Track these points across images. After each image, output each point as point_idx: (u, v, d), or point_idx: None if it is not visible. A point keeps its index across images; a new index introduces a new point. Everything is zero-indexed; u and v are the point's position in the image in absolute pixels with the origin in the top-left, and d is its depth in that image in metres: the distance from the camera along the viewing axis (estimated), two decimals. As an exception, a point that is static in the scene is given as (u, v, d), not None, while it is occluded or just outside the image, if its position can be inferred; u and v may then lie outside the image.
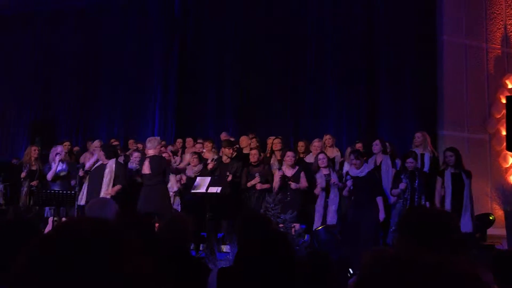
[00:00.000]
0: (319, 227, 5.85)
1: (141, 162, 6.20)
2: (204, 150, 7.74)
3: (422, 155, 6.42)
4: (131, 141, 8.61)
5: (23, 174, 6.74)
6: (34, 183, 6.70)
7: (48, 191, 6.10)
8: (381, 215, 5.71)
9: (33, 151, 7.07)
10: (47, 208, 6.35)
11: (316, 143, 7.14)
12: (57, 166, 6.60)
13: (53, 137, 9.56)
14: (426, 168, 6.31)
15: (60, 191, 6.01)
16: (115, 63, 10.89)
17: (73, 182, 6.55)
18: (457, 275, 0.68)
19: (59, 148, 6.85)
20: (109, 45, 10.98)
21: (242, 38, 10.16)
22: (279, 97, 9.89)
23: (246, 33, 10.13)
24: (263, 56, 9.94)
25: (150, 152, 6.08)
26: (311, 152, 7.18)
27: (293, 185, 6.19)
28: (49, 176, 6.61)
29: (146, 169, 5.98)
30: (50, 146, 7.24)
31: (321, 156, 6.35)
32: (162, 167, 6.02)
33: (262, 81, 9.96)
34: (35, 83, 11.16)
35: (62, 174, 6.67)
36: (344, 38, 9.48)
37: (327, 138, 7.30)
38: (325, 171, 6.25)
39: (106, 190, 5.94)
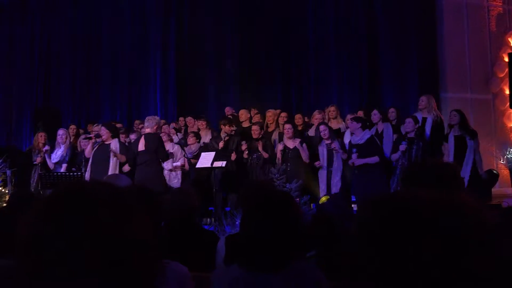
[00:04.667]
0: (322, 197, 5.86)
1: (136, 141, 6.18)
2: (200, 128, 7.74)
3: (424, 119, 6.36)
4: (136, 122, 8.61)
5: (38, 160, 6.78)
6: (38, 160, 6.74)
7: (55, 173, 6.15)
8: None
9: (40, 137, 7.11)
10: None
11: (317, 115, 7.09)
12: (61, 150, 6.63)
13: (57, 122, 9.57)
14: (427, 132, 6.25)
15: (67, 173, 6.06)
16: (114, 45, 10.82)
17: (63, 167, 6.60)
18: (460, 204, 0.66)
19: (60, 132, 6.86)
20: (107, 27, 10.89)
21: (240, 11, 10.05)
22: (280, 68, 9.84)
23: (243, 5, 10.01)
24: (262, 28, 9.85)
25: (147, 130, 6.06)
26: (313, 124, 7.15)
27: (298, 145, 6.18)
28: (53, 160, 6.68)
29: (141, 146, 5.97)
30: (54, 131, 7.27)
31: (322, 127, 6.32)
32: (155, 145, 5.96)
33: (262, 55, 9.90)
34: (36, 69, 11.12)
35: (61, 159, 6.70)
36: (344, 3, 9.36)
37: (331, 109, 7.22)
38: (327, 142, 6.23)
39: (115, 169, 5.96)
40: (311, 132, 7.00)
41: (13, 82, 11.18)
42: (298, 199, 5.28)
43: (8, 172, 6.46)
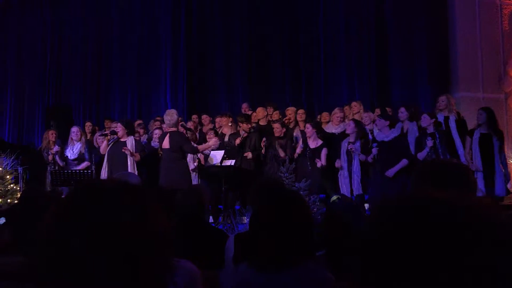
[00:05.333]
0: (334, 197, 5.81)
1: (161, 138, 6.20)
2: (222, 125, 7.71)
3: (447, 118, 6.25)
4: (152, 121, 8.66)
5: (50, 158, 6.84)
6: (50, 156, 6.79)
7: (66, 171, 6.21)
8: (389, 172, 5.48)
9: (51, 135, 7.16)
10: (66, 189, 6.48)
11: (338, 113, 7.04)
12: (74, 147, 6.69)
13: (69, 120, 9.66)
14: (453, 131, 6.13)
15: (77, 171, 6.11)
16: (124, 42, 10.89)
17: (83, 164, 6.65)
18: (476, 206, 0.65)
19: (73, 129, 6.93)
20: (117, 25, 10.96)
21: (250, 8, 10.05)
22: (290, 67, 9.83)
23: (253, 3, 10.03)
24: (272, 27, 9.86)
25: (171, 128, 6.08)
26: (330, 121, 7.13)
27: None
28: (70, 156, 6.75)
29: (166, 143, 6.00)
30: (66, 129, 7.33)
31: (350, 123, 6.24)
32: (180, 143, 6.00)
33: (272, 53, 9.91)
34: (48, 67, 11.22)
35: (76, 155, 6.74)
36: (355, 1, 9.32)
37: (353, 105, 7.19)
38: (351, 139, 6.16)
39: (133, 166, 6.01)
40: (328, 129, 6.96)
41: (24, 81, 11.30)
42: (307, 198, 5.27)
43: (20, 169, 6.53)
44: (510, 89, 8.50)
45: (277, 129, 6.68)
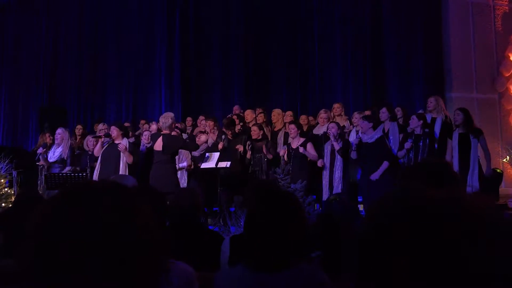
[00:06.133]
0: (329, 197, 5.84)
1: (154, 139, 6.17)
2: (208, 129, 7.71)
3: (434, 119, 6.33)
4: (142, 121, 8.63)
5: (50, 159, 6.74)
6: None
7: (61, 174, 6.17)
8: (373, 175, 5.62)
9: (48, 138, 7.11)
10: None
11: (322, 114, 7.08)
12: (56, 149, 6.61)
13: (63, 122, 9.61)
14: (436, 132, 6.22)
15: (72, 174, 6.07)
16: (119, 45, 10.87)
17: (67, 168, 6.56)
18: (476, 205, 0.65)
19: (58, 131, 6.80)
20: (112, 27, 10.94)
21: (246, 10, 10.07)
22: (285, 68, 9.85)
23: (249, 4, 10.04)
24: (267, 28, 9.87)
25: (165, 130, 6.06)
26: (318, 123, 7.14)
27: (301, 149, 6.16)
28: (50, 159, 6.64)
29: (158, 146, 5.98)
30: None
31: (331, 125, 6.31)
32: (175, 148, 6.01)
33: (267, 55, 9.92)
34: (42, 69, 11.17)
35: (66, 157, 6.65)
36: (350, 2, 9.36)
37: (336, 106, 7.22)
38: (333, 141, 6.20)
39: (125, 169, 5.98)
40: (317, 131, 6.98)
41: (18, 83, 11.24)
42: (302, 199, 5.27)
43: (14, 173, 6.49)
44: (503, 89, 8.56)
45: (254, 132, 6.68)
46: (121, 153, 5.97)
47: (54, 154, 6.74)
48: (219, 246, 2.65)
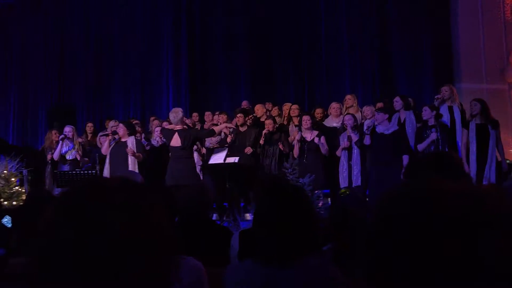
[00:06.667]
0: (342, 189, 5.80)
1: (168, 135, 6.18)
2: (220, 123, 7.73)
3: (451, 108, 6.21)
4: (152, 118, 8.66)
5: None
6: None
7: (70, 172, 6.22)
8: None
9: (54, 135, 7.16)
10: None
11: (334, 105, 7.04)
12: (61, 146, 6.66)
13: (72, 120, 9.67)
14: (457, 122, 6.11)
15: (81, 171, 6.12)
16: (125, 42, 10.90)
17: (85, 165, 6.61)
18: (481, 194, 0.64)
19: (66, 129, 6.88)
20: (118, 25, 10.97)
21: (251, 5, 10.03)
22: (292, 63, 9.81)
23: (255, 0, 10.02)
24: (274, 22, 9.83)
25: (177, 125, 6.07)
26: (329, 115, 7.11)
27: (316, 139, 6.16)
28: (55, 156, 6.69)
29: (175, 142, 5.98)
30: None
31: (347, 117, 6.27)
32: (192, 138, 6.04)
33: (274, 49, 9.88)
34: (50, 68, 11.25)
35: (68, 155, 6.70)
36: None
37: (348, 98, 7.16)
38: (351, 132, 6.14)
39: (134, 166, 6.01)
40: (328, 123, 6.94)
41: (27, 83, 11.32)
42: (310, 193, 5.26)
43: (25, 171, 6.55)
44: (513, 79, 8.45)
45: (269, 125, 6.68)
46: (128, 152, 6.01)
47: (62, 151, 6.80)
48: (228, 241, 2.66)
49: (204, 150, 7.09)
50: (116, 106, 10.92)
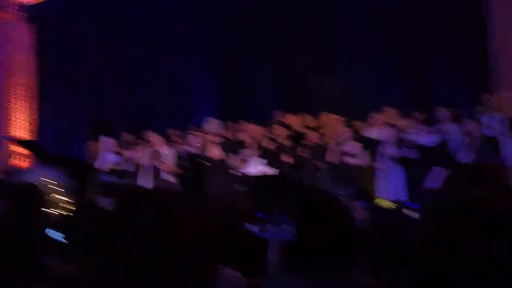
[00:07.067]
0: (379, 200, 5.70)
1: (204, 146, 6.30)
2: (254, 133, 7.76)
3: (494, 117, 6.04)
4: (190, 128, 8.80)
5: (100, 166, 7.05)
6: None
7: (110, 181, 6.40)
8: (432, 183, 5.38)
9: (97, 145, 7.42)
10: (106, 200, 6.65)
11: (375, 117, 6.95)
12: (104, 157, 6.89)
13: (111, 132, 9.96)
14: (503, 130, 5.91)
15: (122, 181, 6.29)
16: (159, 54, 11.17)
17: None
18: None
19: (107, 140, 7.11)
20: (151, 37, 11.26)
21: (286, 9, 10.04)
22: (326, 72, 9.72)
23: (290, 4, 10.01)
24: (305, 28, 9.77)
25: (213, 136, 6.18)
26: (366, 126, 7.03)
27: (351, 160, 6.08)
28: (100, 165, 6.95)
29: (212, 152, 6.08)
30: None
31: (388, 130, 6.19)
32: (228, 151, 6.14)
33: (308, 59, 9.82)
34: (88, 79, 11.66)
35: (112, 166, 6.93)
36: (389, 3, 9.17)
37: (386, 110, 7.06)
38: (390, 145, 6.05)
39: (169, 176, 6.14)
40: (368, 133, 6.86)
41: (67, 95, 11.78)
42: (348, 204, 5.19)
43: (68, 181, 6.78)
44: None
45: (314, 136, 6.63)
46: (166, 161, 6.15)
47: (102, 161, 7.04)
48: (265, 252, 2.67)
49: (240, 161, 7.14)
50: (152, 118, 11.16)
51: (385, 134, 6.12)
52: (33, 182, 5.63)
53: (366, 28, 9.29)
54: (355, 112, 8.03)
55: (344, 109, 8.82)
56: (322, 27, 9.60)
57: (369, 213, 5.63)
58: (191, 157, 7.01)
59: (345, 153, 6.22)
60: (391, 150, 5.93)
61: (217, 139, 6.21)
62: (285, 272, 1.78)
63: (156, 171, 6.22)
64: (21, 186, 2.58)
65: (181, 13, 11.10)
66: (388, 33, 9.13)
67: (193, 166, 6.70)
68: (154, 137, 6.47)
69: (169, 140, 6.83)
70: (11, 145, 11.32)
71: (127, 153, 7.89)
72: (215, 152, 6.03)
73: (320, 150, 6.60)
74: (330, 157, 6.42)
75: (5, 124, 11.99)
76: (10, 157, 10.72)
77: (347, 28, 9.46)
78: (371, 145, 6.44)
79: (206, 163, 6.14)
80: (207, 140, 6.29)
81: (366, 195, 6.09)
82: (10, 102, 12.16)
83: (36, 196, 2.49)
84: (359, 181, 6.08)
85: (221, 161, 6.03)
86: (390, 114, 7.00)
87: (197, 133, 8.01)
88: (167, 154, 6.29)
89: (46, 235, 2.53)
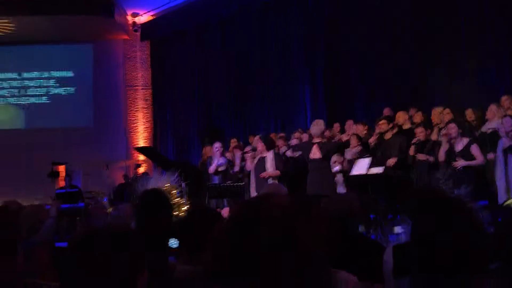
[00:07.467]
0: (506, 201, 5.17)
1: (306, 147, 6.30)
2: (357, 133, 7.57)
3: None
4: (296, 131, 8.88)
5: (211, 170, 7.47)
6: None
7: (221, 184, 6.69)
8: None
9: (209, 150, 7.83)
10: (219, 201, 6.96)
11: (491, 107, 6.35)
12: (217, 161, 7.22)
13: (220, 136, 10.44)
14: None
15: (231, 184, 6.53)
16: (263, 58, 11.45)
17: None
18: None
19: (216, 145, 7.46)
20: (254, 43, 11.60)
21: (386, 9, 9.70)
22: (432, 66, 9.13)
23: (386, 7, 9.65)
24: (407, 27, 9.33)
25: (317, 138, 6.18)
26: (487, 120, 6.44)
27: (459, 163, 5.58)
28: (211, 169, 7.24)
29: (314, 154, 6.09)
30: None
31: (506, 119, 5.62)
32: (332, 152, 6.14)
33: (411, 52, 9.34)
34: (197, 91, 12.40)
35: (220, 168, 7.24)
36: None
37: (504, 99, 6.41)
38: (504, 137, 5.49)
39: (274, 179, 6.24)
40: (485, 128, 6.29)
41: (181, 105, 12.62)
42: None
43: (183, 184, 7.23)
44: None
45: (421, 133, 6.23)
46: (266, 167, 6.23)
47: (212, 166, 7.41)
48: (380, 255, 2.54)
49: (346, 161, 7.01)
50: (257, 121, 11.48)
51: (505, 126, 5.52)
52: (159, 187, 6.09)
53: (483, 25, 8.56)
54: (468, 106, 7.41)
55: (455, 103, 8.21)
56: (434, 23, 9.08)
57: (492, 214, 5.14)
58: (295, 159, 7.04)
59: (458, 151, 5.74)
60: (506, 143, 5.34)
61: (321, 140, 6.14)
62: (403, 278, 1.67)
63: (262, 175, 6.34)
64: (149, 191, 2.79)
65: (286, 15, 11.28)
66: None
67: (297, 168, 6.72)
68: (258, 141, 6.61)
69: (273, 143, 6.94)
70: (135, 153, 12.44)
71: (236, 158, 8.18)
72: (319, 153, 5.98)
73: (430, 147, 6.18)
74: (442, 154, 5.96)
75: (130, 134, 13.22)
76: (137, 165, 11.78)
77: (459, 22, 8.79)
78: (489, 139, 5.87)
79: (310, 164, 6.12)
80: (311, 141, 6.26)
81: (486, 194, 5.56)
82: (132, 114, 13.38)
83: (163, 200, 2.67)
84: (477, 179, 5.56)
85: (326, 162, 5.97)
86: (505, 104, 6.31)
87: (301, 134, 8.02)
88: (272, 157, 6.37)
89: (169, 237, 2.70)
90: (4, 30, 12.05)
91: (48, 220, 3.47)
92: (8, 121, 12.85)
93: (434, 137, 6.57)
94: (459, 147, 5.80)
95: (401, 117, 7.33)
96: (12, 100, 13.12)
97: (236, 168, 7.35)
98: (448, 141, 5.92)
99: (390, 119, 7.00)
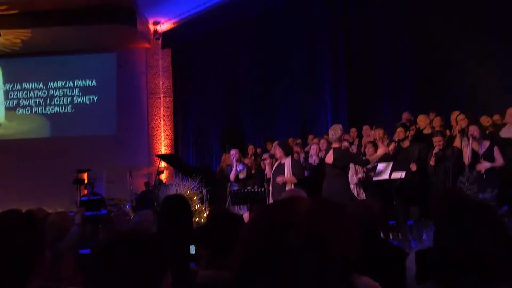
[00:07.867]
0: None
1: (325, 152, 6.28)
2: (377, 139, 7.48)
3: None
4: (310, 136, 8.87)
5: (231, 177, 7.49)
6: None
7: (243, 191, 6.71)
8: None
9: (229, 157, 7.86)
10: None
11: (510, 111, 6.23)
12: (235, 167, 7.23)
13: (242, 142, 10.47)
14: None
15: (253, 190, 6.54)
16: (286, 66, 11.45)
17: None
18: None
19: (232, 151, 7.47)
20: (278, 49, 11.60)
21: (411, 11, 9.60)
22: (457, 70, 8.99)
23: (414, 7, 9.55)
24: (437, 26, 9.20)
25: (335, 143, 6.11)
26: (506, 123, 6.30)
27: (481, 166, 5.45)
28: (231, 177, 7.28)
29: (329, 159, 6.03)
30: (240, 151, 7.93)
31: None
32: (344, 162, 5.99)
33: (439, 54, 9.21)
34: (220, 98, 12.46)
35: (241, 175, 7.25)
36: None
37: None
38: None
39: (291, 185, 6.20)
40: (505, 134, 6.16)
41: (202, 112, 12.70)
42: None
43: (204, 190, 7.28)
44: None
45: (439, 142, 6.08)
46: (287, 171, 6.20)
47: (234, 172, 7.42)
48: (403, 261, 2.51)
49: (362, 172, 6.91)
50: (278, 127, 11.48)
51: None
52: (181, 193, 6.14)
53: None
54: (490, 110, 7.27)
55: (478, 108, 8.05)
56: (454, 24, 8.95)
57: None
58: (312, 165, 7.00)
59: (482, 152, 5.62)
60: None
61: (339, 145, 6.08)
62: (426, 283, 1.64)
63: (277, 179, 6.31)
64: (171, 197, 2.83)
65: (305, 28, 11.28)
66: None
67: (315, 173, 6.68)
68: (277, 148, 6.59)
69: (292, 149, 6.92)
70: (157, 160, 12.57)
71: (255, 164, 8.19)
72: (330, 158, 5.92)
73: (452, 152, 6.06)
74: (465, 159, 5.84)
75: (152, 141, 13.38)
76: (159, 172, 11.90)
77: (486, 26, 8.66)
78: (509, 143, 5.74)
79: (327, 170, 6.05)
80: (330, 146, 6.21)
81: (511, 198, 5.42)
82: (154, 122, 13.54)
83: (184, 206, 2.70)
84: (502, 183, 5.43)
85: (343, 167, 5.88)
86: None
87: (320, 140, 7.98)
88: (290, 163, 6.33)
89: (191, 243, 2.72)
90: (19, 39, 12.30)
91: (73, 227, 3.55)
92: (35, 130, 13.16)
93: (457, 143, 6.44)
94: (482, 149, 5.70)
95: (422, 121, 7.23)
96: (38, 109, 13.44)
97: (232, 177, 7.27)
98: (469, 144, 5.81)
99: (407, 126, 6.89)
